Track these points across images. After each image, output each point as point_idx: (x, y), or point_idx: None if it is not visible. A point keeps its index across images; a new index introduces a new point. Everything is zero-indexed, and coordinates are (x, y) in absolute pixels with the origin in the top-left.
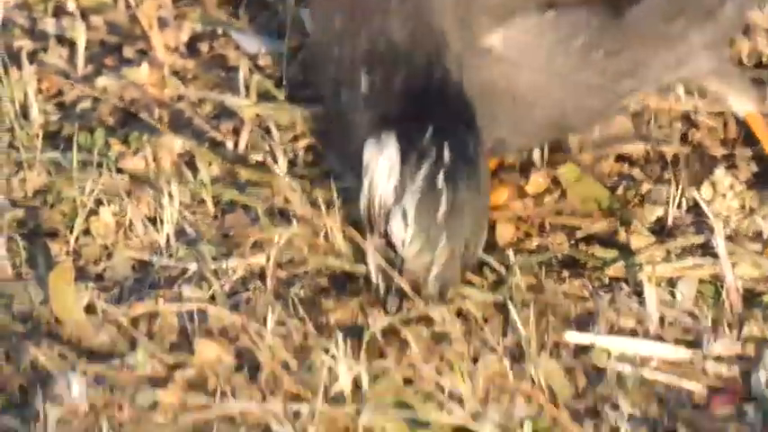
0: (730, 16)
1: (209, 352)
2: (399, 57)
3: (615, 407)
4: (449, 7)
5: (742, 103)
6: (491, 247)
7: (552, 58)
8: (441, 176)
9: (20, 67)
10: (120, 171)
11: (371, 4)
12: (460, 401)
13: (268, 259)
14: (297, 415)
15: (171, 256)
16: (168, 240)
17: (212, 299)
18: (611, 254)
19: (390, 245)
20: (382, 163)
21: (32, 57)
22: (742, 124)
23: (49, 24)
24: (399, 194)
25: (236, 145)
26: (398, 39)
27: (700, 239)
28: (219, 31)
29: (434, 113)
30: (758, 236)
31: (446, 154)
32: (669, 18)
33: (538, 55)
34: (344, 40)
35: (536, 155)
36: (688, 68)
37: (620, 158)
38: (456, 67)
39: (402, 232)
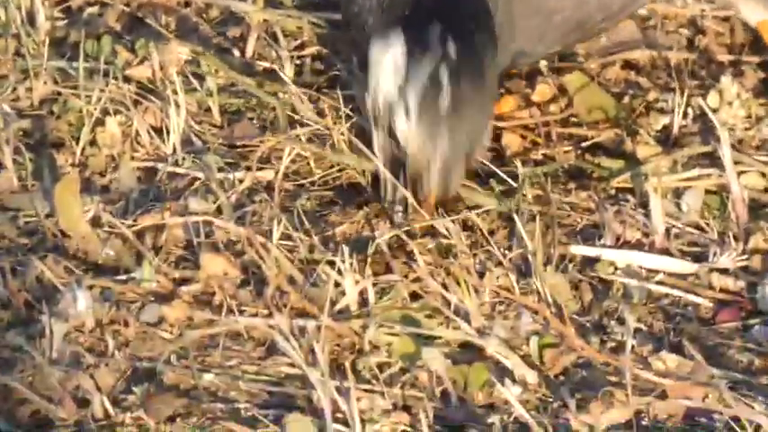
0: None
1: (214, 266)
2: None
3: (621, 321)
4: None
5: (754, 11)
6: (498, 157)
7: None
8: (445, 72)
9: None
10: (126, 80)
11: None
12: (466, 317)
13: (276, 172)
14: (302, 330)
15: (178, 165)
16: (174, 150)
17: (218, 211)
18: (617, 164)
19: (395, 141)
20: (388, 59)
21: None
22: (750, 30)
23: None
24: (403, 90)
25: (242, 52)
26: None
27: (706, 149)
28: None
29: (446, 16)
30: (764, 145)
31: (451, 51)
32: None
33: None
34: None
35: (542, 63)
36: None
37: (627, 65)
38: None
39: (405, 126)
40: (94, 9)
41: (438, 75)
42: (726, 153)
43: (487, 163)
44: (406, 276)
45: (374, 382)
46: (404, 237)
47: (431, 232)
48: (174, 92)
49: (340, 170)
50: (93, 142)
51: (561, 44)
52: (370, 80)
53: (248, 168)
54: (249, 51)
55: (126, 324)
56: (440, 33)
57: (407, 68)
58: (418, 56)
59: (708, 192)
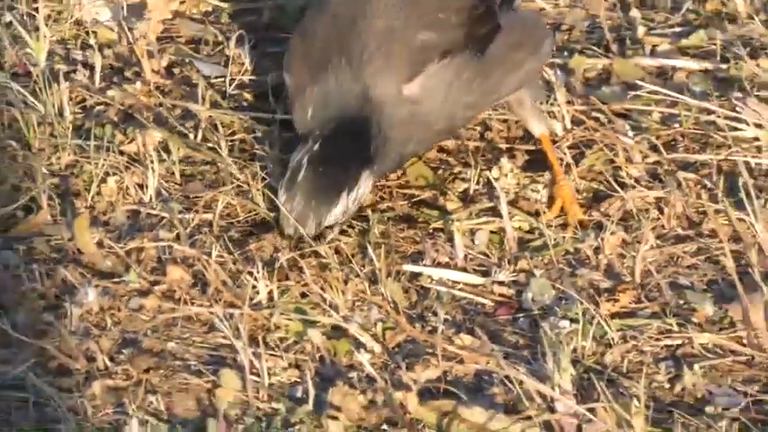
0: (547, 51)
1: (175, 273)
2: (338, 104)
3: (435, 314)
4: (375, 69)
5: (537, 127)
6: (361, 208)
7: (449, 90)
8: (305, 159)
9: (58, 83)
10: (121, 153)
11: (324, 65)
12: (336, 309)
13: (215, 214)
14: (231, 316)
15: (153, 209)
16: (151, 199)
17: (177, 238)
18: (434, 213)
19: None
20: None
21: (66, 76)
22: (521, 128)
23: (77, 54)
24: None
25: (195, 136)
26: (338, 91)
27: (491, 204)
28: (187, 60)
29: (331, 130)
30: (529, 202)
31: (316, 149)
32: (514, 50)
33: (441, 90)
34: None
35: None
36: (517, 92)
37: (441, 149)
38: (376, 112)
39: (281, 190)
40: (101, 107)
41: (302, 161)
42: (503, 207)
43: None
44: (298, 282)
45: (276, 349)
46: (296, 257)
47: (315, 253)
48: (152, 161)
49: (256, 213)
50: (98, 193)
51: (436, 142)
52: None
53: (197, 212)
54: (200, 136)
55: (119, 310)
56: (321, 140)
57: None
58: (298, 150)
59: (492, 232)
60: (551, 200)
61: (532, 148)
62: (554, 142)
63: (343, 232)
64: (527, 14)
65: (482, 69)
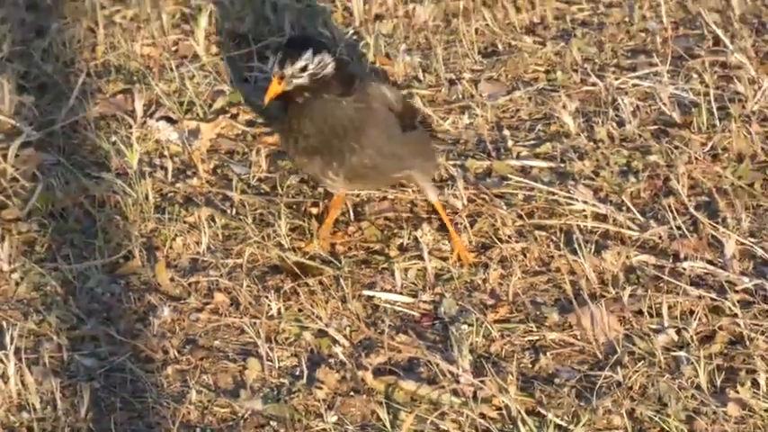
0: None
1: (219, 297)
2: None
3: (383, 321)
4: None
5: (433, 194)
6: (335, 255)
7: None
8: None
9: (144, 179)
10: (185, 222)
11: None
12: (320, 319)
13: (243, 260)
14: (254, 324)
15: (204, 257)
16: (203, 251)
17: (220, 275)
18: (381, 258)
19: None
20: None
21: (150, 174)
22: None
23: (156, 161)
24: None
25: (231, 212)
26: None
27: (417, 252)
28: (225, 164)
29: None
30: (440, 251)
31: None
32: (422, 144)
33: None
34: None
35: None
36: (417, 168)
37: (386, 219)
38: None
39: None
40: (172, 194)
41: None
42: (425, 254)
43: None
44: (296, 302)
45: (283, 345)
46: (295, 287)
47: (306, 284)
48: (203, 228)
49: (270, 259)
50: (171, 247)
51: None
52: None
53: (232, 258)
54: (234, 212)
55: (183, 320)
56: None
57: None
58: None
59: (418, 269)
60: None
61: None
62: (455, 213)
63: (323, 272)
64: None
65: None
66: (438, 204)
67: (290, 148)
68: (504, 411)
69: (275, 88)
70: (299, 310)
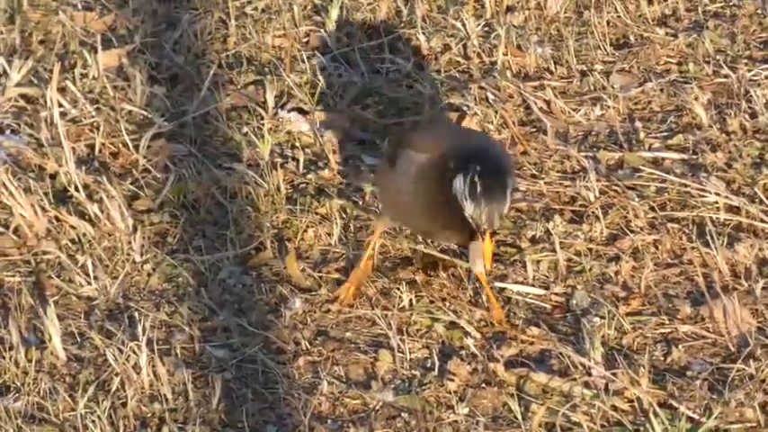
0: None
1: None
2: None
3: (515, 313)
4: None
5: (477, 265)
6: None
7: None
8: (476, 177)
9: (276, 170)
10: (316, 214)
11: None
12: (453, 311)
13: (374, 251)
14: (386, 316)
15: (336, 249)
16: (335, 243)
17: (351, 266)
18: (513, 250)
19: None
20: (458, 182)
21: (282, 165)
22: (567, 195)
23: (288, 152)
24: (464, 190)
25: (362, 202)
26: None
27: (549, 244)
28: (357, 154)
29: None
30: (574, 243)
31: (478, 170)
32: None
33: None
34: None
35: None
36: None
37: (517, 210)
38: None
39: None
40: (303, 185)
41: (473, 179)
42: (557, 246)
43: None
44: (428, 294)
45: (414, 336)
46: (427, 278)
47: (437, 277)
48: (335, 219)
49: (400, 250)
50: (302, 239)
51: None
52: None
53: (363, 249)
54: (365, 202)
55: (314, 312)
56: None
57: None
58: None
59: (550, 261)
60: None
61: (576, 208)
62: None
63: (455, 265)
64: None
65: None
66: (481, 274)
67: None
68: (635, 404)
69: (490, 246)
70: (431, 302)
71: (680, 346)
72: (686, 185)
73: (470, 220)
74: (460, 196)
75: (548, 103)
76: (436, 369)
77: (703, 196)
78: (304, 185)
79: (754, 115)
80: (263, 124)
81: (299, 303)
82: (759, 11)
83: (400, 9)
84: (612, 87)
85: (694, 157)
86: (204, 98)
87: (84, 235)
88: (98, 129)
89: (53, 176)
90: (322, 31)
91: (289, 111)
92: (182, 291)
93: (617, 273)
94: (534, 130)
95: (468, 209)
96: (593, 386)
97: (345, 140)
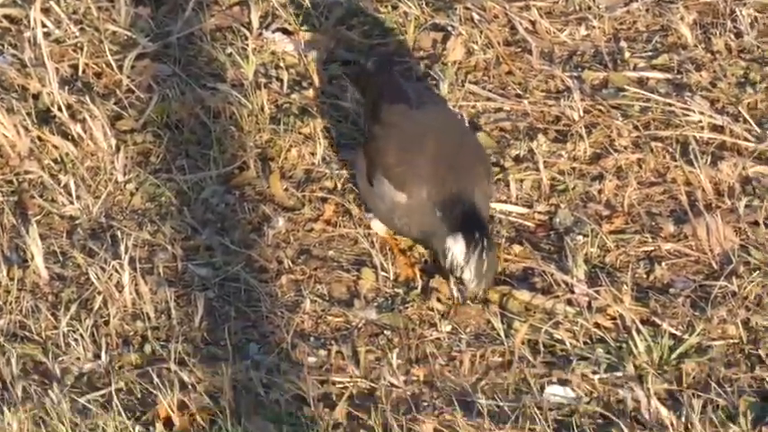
0: None
1: (333, 208)
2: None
3: (498, 232)
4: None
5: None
6: None
7: None
8: (485, 254)
9: (260, 90)
10: (299, 133)
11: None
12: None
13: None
14: (368, 234)
15: (319, 168)
16: (318, 162)
17: (335, 186)
18: (496, 169)
19: (462, 283)
20: (458, 247)
21: (266, 85)
22: (552, 114)
23: (272, 72)
24: (468, 261)
25: (346, 121)
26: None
27: (532, 163)
28: (341, 73)
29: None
30: (557, 163)
31: (485, 244)
32: None
33: None
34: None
35: None
36: None
37: (501, 129)
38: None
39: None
40: (287, 105)
41: (481, 255)
42: (541, 165)
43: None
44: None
45: (398, 255)
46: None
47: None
48: (319, 138)
49: None
50: (286, 158)
51: None
52: (448, 256)
53: (347, 169)
54: (349, 120)
55: (298, 231)
56: (478, 237)
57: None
58: (472, 246)
59: (533, 180)
60: None
61: (560, 127)
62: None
63: None
64: None
65: None
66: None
67: None
68: (618, 321)
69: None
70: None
71: (663, 264)
72: (670, 105)
73: (458, 280)
74: (458, 262)
75: (533, 23)
76: (419, 287)
77: (687, 115)
78: (288, 105)
79: (739, 35)
80: (247, 44)
81: (282, 222)
82: None
83: None
84: (598, 7)
85: (679, 76)
86: (189, 18)
87: (67, 155)
88: (82, 49)
89: (36, 97)
90: None
91: (273, 31)
92: (164, 210)
93: (600, 191)
94: (519, 50)
95: (467, 276)
96: (576, 304)
97: (330, 61)
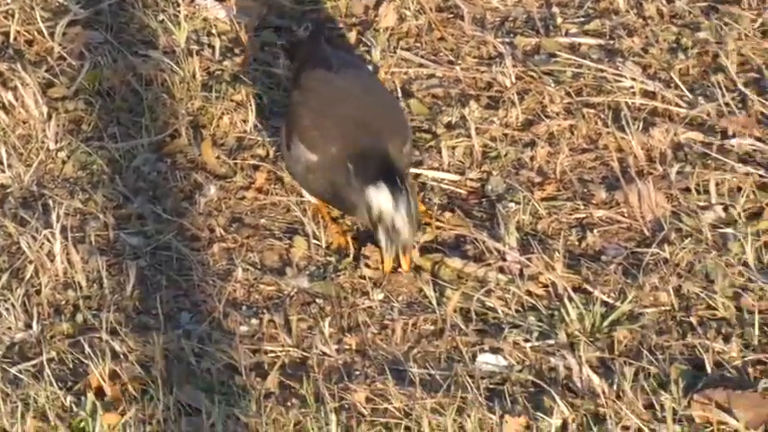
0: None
1: (264, 176)
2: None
3: (430, 200)
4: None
5: None
6: None
7: None
8: (410, 197)
9: (192, 57)
10: (231, 101)
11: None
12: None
13: None
14: (301, 203)
15: (251, 136)
16: (250, 130)
17: (267, 154)
18: (428, 136)
19: (394, 230)
20: (383, 196)
21: (198, 52)
22: (485, 80)
23: (204, 39)
24: (397, 207)
25: (278, 89)
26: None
27: (464, 130)
28: (274, 41)
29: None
30: (489, 129)
31: (408, 188)
32: None
33: None
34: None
35: None
36: None
37: (434, 96)
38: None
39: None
40: (219, 72)
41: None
42: (473, 132)
43: None
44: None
45: (330, 223)
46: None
47: None
48: (251, 105)
49: None
50: (218, 126)
51: None
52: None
53: (279, 137)
54: (281, 88)
55: (229, 199)
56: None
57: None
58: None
59: (465, 147)
60: None
61: (492, 94)
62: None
63: None
64: None
65: None
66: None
67: None
68: (550, 288)
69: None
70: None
71: (595, 231)
72: (602, 71)
73: (389, 230)
74: (386, 210)
75: None
76: (351, 255)
77: (619, 81)
78: (220, 72)
79: (671, 0)
80: (179, 11)
81: (214, 190)
82: None
83: None
84: None
85: (611, 42)
86: None
87: None
88: (13, 16)
89: None
90: None
91: None
92: (96, 178)
93: (532, 158)
94: (452, 15)
95: (399, 223)
96: (508, 271)
97: (262, 27)
